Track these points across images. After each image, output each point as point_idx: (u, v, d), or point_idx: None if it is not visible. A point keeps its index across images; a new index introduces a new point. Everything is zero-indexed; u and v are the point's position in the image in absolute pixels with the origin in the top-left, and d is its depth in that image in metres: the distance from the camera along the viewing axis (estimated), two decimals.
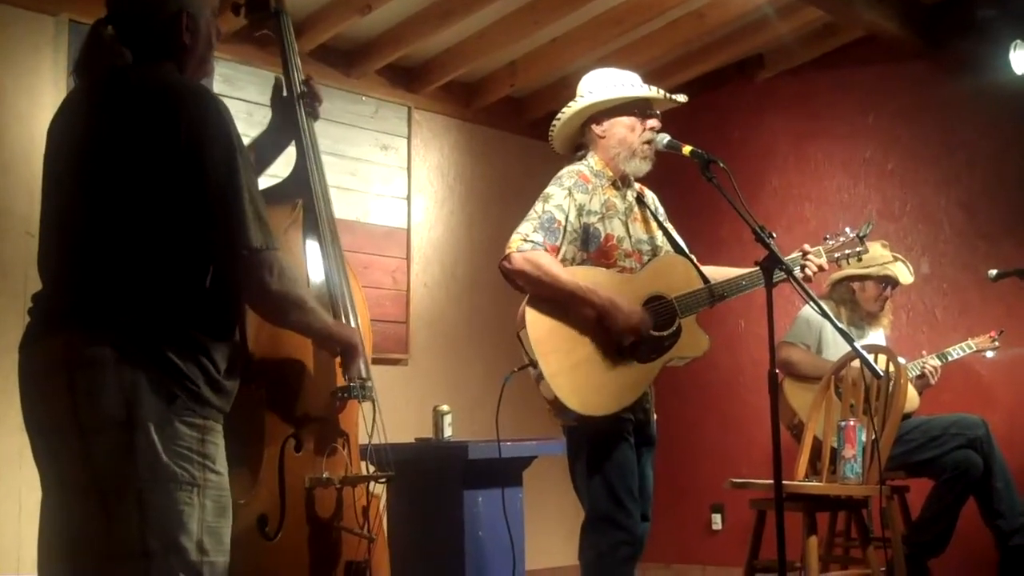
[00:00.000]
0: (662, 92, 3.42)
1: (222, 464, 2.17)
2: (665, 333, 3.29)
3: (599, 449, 3.25)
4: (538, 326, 3.21)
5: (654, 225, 3.49)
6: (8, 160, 4.33)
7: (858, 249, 3.56)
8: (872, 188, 5.81)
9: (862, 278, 4.79)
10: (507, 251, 3.23)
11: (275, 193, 2.79)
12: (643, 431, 3.37)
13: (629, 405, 3.26)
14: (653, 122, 3.41)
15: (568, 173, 3.37)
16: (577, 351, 3.21)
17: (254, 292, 2.20)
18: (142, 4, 2.27)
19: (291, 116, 2.87)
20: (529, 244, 3.21)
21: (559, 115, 3.46)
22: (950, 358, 4.93)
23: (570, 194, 3.30)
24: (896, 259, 4.84)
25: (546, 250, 3.22)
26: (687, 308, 3.32)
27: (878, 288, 4.82)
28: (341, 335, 2.58)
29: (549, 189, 3.34)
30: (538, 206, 3.31)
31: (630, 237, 3.39)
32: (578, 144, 3.52)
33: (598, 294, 3.20)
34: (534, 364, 3.18)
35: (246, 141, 2.24)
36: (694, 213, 4.94)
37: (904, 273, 4.81)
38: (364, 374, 2.71)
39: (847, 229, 3.57)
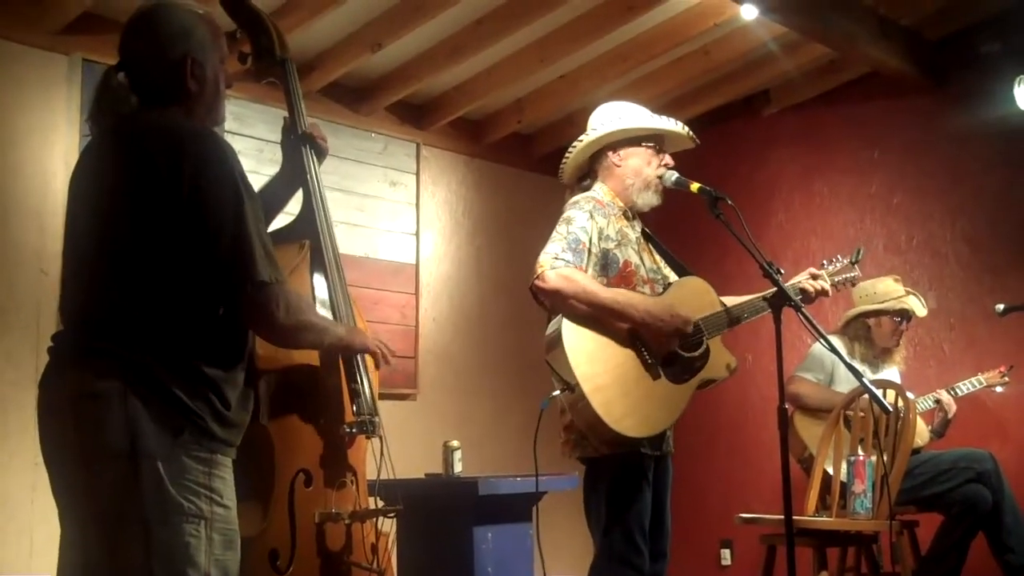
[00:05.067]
0: (686, 128, 3.44)
1: (230, 498, 2.19)
2: (696, 354, 3.29)
3: (619, 487, 3.21)
4: (576, 347, 3.13)
5: (658, 256, 3.50)
6: (22, 197, 4.37)
7: (852, 275, 3.65)
8: (878, 222, 5.82)
9: (877, 314, 4.80)
10: (538, 270, 3.16)
11: (282, 234, 2.85)
12: (662, 465, 3.35)
13: (660, 432, 3.23)
14: (668, 159, 3.44)
15: (585, 198, 3.34)
16: (614, 372, 3.15)
17: (264, 326, 2.24)
18: (148, 50, 2.31)
19: (299, 158, 2.92)
20: (561, 262, 3.15)
21: (578, 140, 3.43)
22: (959, 392, 4.93)
23: (591, 216, 3.27)
24: (909, 293, 4.85)
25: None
26: (713, 329, 3.33)
27: (893, 323, 4.82)
28: (352, 344, 2.71)
29: (570, 212, 3.29)
30: (562, 228, 3.25)
31: (644, 265, 3.38)
32: (583, 174, 3.51)
33: (635, 307, 3.17)
34: (571, 387, 3.10)
35: (258, 179, 2.27)
36: (700, 248, 4.95)
37: (918, 306, 4.83)
38: (372, 410, 2.74)
39: (838, 256, 3.65)
